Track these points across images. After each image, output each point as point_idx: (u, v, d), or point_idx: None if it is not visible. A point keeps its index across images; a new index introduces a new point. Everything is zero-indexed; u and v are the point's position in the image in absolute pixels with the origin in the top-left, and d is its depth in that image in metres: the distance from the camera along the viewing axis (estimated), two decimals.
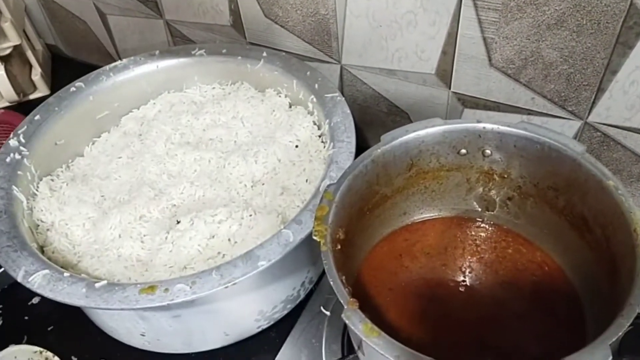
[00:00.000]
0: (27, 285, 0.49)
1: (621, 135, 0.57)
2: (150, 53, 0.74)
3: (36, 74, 0.96)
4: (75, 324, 0.61)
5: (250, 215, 0.56)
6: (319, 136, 0.66)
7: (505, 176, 0.52)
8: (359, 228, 0.50)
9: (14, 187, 0.59)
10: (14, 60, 0.91)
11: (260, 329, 0.58)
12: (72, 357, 0.59)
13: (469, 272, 0.53)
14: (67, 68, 1.04)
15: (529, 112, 0.61)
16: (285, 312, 0.59)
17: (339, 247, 0.45)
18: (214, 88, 0.75)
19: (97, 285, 0.48)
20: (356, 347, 0.47)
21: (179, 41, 0.86)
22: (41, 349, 0.56)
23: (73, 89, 0.70)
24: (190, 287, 0.46)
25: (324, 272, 0.41)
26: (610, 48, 0.51)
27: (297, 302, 0.60)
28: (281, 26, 0.72)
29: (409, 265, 0.53)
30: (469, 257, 0.54)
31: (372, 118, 0.75)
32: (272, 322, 0.58)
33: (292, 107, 0.71)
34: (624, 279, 0.40)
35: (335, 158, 0.57)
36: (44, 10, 1.00)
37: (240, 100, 0.71)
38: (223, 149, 0.66)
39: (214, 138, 0.68)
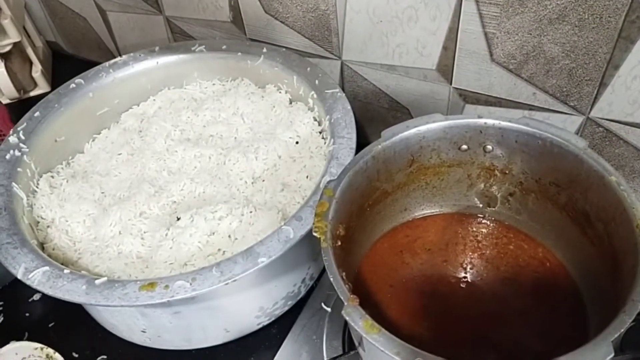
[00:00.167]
0: (27, 282, 0.49)
1: (623, 130, 0.56)
2: (150, 49, 0.74)
3: (36, 70, 0.96)
4: (76, 321, 0.61)
5: (251, 212, 0.56)
6: (320, 132, 0.65)
7: (507, 172, 0.52)
8: (360, 224, 0.50)
9: (14, 184, 0.59)
10: (14, 57, 0.91)
11: (260, 326, 0.58)
12: (73, 354, 0.59)
13: (470, 269, 0.52)
14: (67, 65, 1.03)
15: (531, 108, 0.60)
16: (286, 308, 0.59)
17: (339, 243, 0.45)
18: (214, 84, 0.75)
19: (97, 282, 0.48)
20: (357, 344, 0.47)
21: (179, 37, 0.86)
22: (42, 346, 0.56)
23: (73, 85, 0.70)
24: (190, 284, 0.46)
25: (324, 269, 0.41)
26: (613, 42, 0.51)
27: (298, 298, 0.60)
28: (281, 22, 0.72)
29: (410, 262, 0.53)
30: (470, 254, 0.53)
31: (373, 114, 0.75)
32: (272, 319, 0.58)
33: (293, 103, 0.70)
34: (626, 275, 0.40)
35: (336, 154, 0.57)
36: (44, 7, 0.99)
37: (240, 97, 0.71)
38: (223, 146, 0.66)
39: (214, 134, 0.68)
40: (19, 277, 0.49)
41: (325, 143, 0.62)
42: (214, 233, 0.55)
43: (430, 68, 0.64)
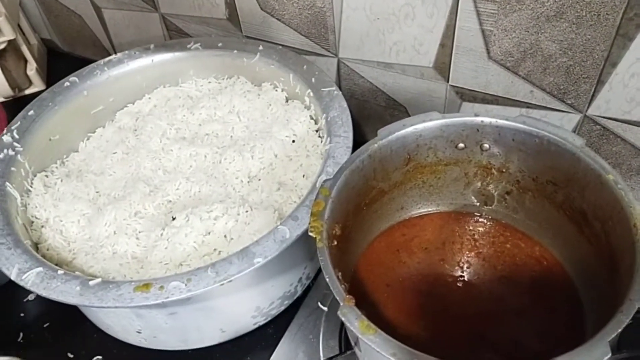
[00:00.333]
0: (21, 283, 0.49)
1: (621, 128, 0.56)
2: (145, 47, 0.74)
3: (31, 68, 0.95)
4: (72, 321, 0.61)
5: (247, 211, 0.55)
6: (316, 131, 0.65)
7: (504, 170, 0.52)
8: (356, 223, 0.50)
9: (7, 183, 0.58)
10: (9, 55, 0.90)
11: (257, 326, 0.58)
12: (69, 354, 0.59)
13: (467, 268, 0.52)
14: (62, 62, 1.03)
15: (528, 106, 0.60)
16: (283, 308, 0.59)
17: (336, 243, 0.44)
18: (209, 82, 0.75)
19: (91, 283, 0.47)
20: (353, 344, 0.46)
21: (174, 35, 0.85)
22: (12, 358, 0.54)
23: (67, 83, 0.70)
24: (186, 285, 0.46)
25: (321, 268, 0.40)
26: (610, 40, 0.51)
27: (295, 298, 0.59)
28: (277, 19, 0.71)
29: (407, 261, 0.53)
30: (467, 252, 0.53)
31: (370, 112, 0.74)
32: (269, 319, 0.58)
33: (289, 101, 0.70)
34: (623, 274, 0.40)
35: (332, 153, 0.57)
36: (39, 5, 0.99)
37: (236, 95, 0.70)
38: (219, 144, 0.65)
39: (209, 133, 0.67)
40: (13, 278, 0.49)
41: (321, 142, 0.62)
42: (209, 233, 0.54)
43: (427, 66, 0.64)
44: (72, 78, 0.70)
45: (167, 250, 0.54)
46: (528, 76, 0.57)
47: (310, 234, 0.42)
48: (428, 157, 0.52)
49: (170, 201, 0.60)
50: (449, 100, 0.65)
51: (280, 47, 0.71)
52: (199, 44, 0.73)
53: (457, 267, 0.52)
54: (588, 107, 0.57)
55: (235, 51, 0.72)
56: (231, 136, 0.67)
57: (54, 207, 0.60)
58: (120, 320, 0.54)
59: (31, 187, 0.62)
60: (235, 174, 0.61)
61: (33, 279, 0.48)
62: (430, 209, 0.56)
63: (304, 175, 0.60)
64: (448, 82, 0.64)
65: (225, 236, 0.54)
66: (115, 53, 0.74)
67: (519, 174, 0.51)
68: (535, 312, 0.48)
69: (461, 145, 0.51)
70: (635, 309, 0.35)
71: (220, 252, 0.54)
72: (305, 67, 0.68)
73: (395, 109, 0.72)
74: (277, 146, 0.63)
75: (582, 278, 0.49)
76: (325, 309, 0.56)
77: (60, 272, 0.49)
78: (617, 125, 0.56)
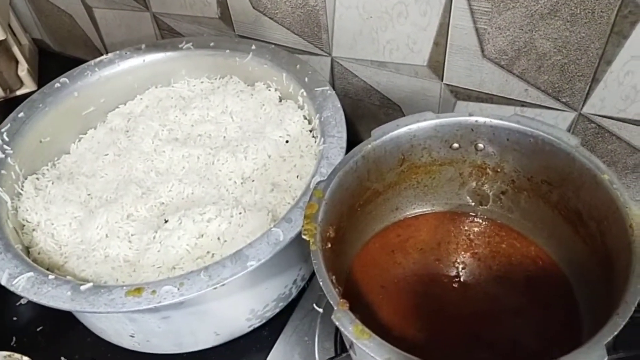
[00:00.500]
0: (11, 289, 0.48)
1: (616, 126, 0.56)
2: (137, 47, 0.73)
3: (23, 69, 0.94)
4: (65, 325, 0.60)
5: (240, 213, 0.55)
6: (310, 131, 0.65)
7: (499, 170, 0.52)
8: (350, 225, 0.50)
9: None
10: (0, 55, 0.90)
11: (251, 328, 0.57)
12: (62, 358, 0.59)
13: (463, 268, 0.52)
14: (54, 63, 1.02)
15: (523, 104, 0.60)
16: (277, 310, 0.58)
17: (329, 245, 0.44)
18: (202, 82, 0.74)
19: (82, 287, 0.47)
20: (348, 347, 0.46)
21: (166, 34, 0.85)
22: (10, 353, 0.54)
23: (57, 84, 0.69)
24: (178, 289, 0.45)
25: None
26: (605, 38, 0.50)
27: (289, 300, 0.59)
28: (270, 18, 0.71)
29: (402, 262, 0.53)
30: (463, 253, 0.53)
31: (364, 111, 0.74)
32: (264, 321, 0.58)
33: (282, 101, 0.69)
34: (619, 274, 0.39)
35: (326, 153, 0.56)
36: (30, 4, 0.98)
37: (229, 95, 0.69)
38: (212, 145, 0.65)
39: (202, 134, 0.67)
40: (3, 283, 0.49)
41: (315, 142, 0.61)
42: (202, 235, 0.54)
43: (421, 64, 0.63)
44: (63, 79, 0.69)
45: (160, 253, 0.53)
46: (522, 74, 0.57)
47: (304, 237, 0.42)
48: (422, 157, 0.52)
49: (162, 203, 0.59)
50: (443, 98, 0.65)
51: (273, 46, 0.71)
52: (191, 43, 0.73)
53: (452, 268, 0.52)
54: (583, 105, 0.56)
55: (227, 51, 0.71)
56: (224, 137, 0.66)
57: (45, 210, 0.59)
58: (113, 325, 0.53)
59: (22, 190, 0.61)
60: (229, 175, 0.61)
61: (24, 284, 0.48)
62: (425, 210, 0.56)
63: (297, 176, 0.60)
64: (442, 80, 0.63)
65: (218, 238, 0.54)
66: (107, 53, 0.73)
67: (514, 174, 0.51)
68: (531, 312, 0.48)
69: (455, 145, 0.51)
70: (631, 312, 0.35)
71: (213, 254, 0.53)
72: (298, 66, 0.67)
73: (390, 108, 0.71)
74: (271, 147, 0.62)
75: (577, 277, 0.48)
76: (321, 310, 0.56)
77: (51, 276, 0.48)
78: (612, 123, 0.56)
